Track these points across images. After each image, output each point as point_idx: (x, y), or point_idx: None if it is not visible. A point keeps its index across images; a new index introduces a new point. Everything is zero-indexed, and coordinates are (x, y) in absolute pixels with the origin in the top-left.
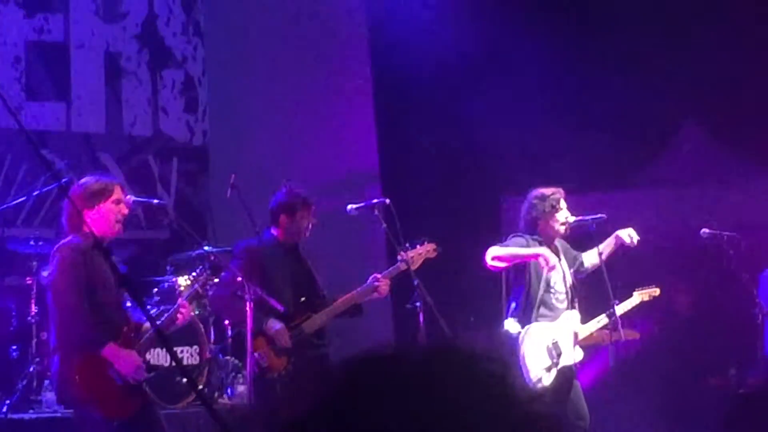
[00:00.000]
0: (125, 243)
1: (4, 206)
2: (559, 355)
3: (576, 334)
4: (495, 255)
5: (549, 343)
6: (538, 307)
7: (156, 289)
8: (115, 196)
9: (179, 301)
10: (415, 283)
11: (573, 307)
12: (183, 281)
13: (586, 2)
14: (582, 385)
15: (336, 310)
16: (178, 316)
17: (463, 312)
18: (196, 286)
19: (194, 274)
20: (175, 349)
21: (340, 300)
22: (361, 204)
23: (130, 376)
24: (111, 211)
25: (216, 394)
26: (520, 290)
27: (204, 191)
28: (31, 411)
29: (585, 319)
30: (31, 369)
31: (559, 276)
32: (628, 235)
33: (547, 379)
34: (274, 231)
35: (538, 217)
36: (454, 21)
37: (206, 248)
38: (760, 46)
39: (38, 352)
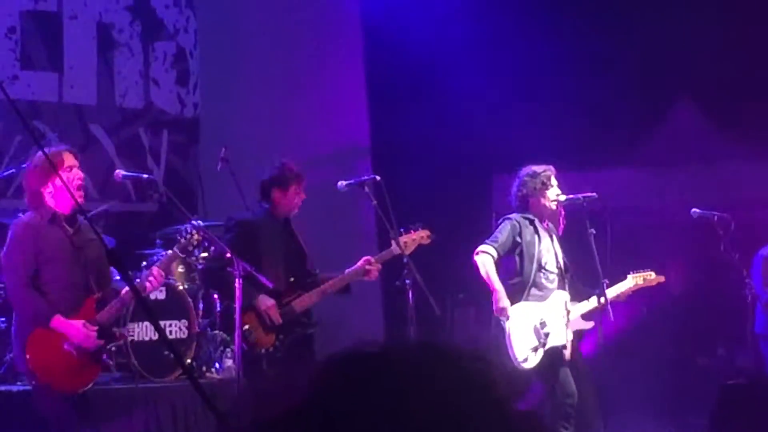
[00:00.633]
0: (114, 216)
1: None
2: (546, 335)
3: (567, 314)
4: (480, 265)
5: (536, 323)
6: (530, 288)
7: (145, 263)
8: (66, 164)
9: (152, 268)
10: (405, 260)
11: (563, 288)
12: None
13: None
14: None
15: (325, 291)
16: (146, 284)
17: (453, 289)
18: (175, 250)
19: (179, 236)
20: (163, 323)
21: (330, 282)
22: (352, 180)
23: (82, 344)
24: (66, 180)
25: (204, 369)
26: (511, 269)
27: (194, 164)
28: (18, 383)
29: (576, 299)
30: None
31: (550, 256)
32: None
33: (534, 359)
34: (265, 204)
35: (528, 194)
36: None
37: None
38: (754, 23)
39: None
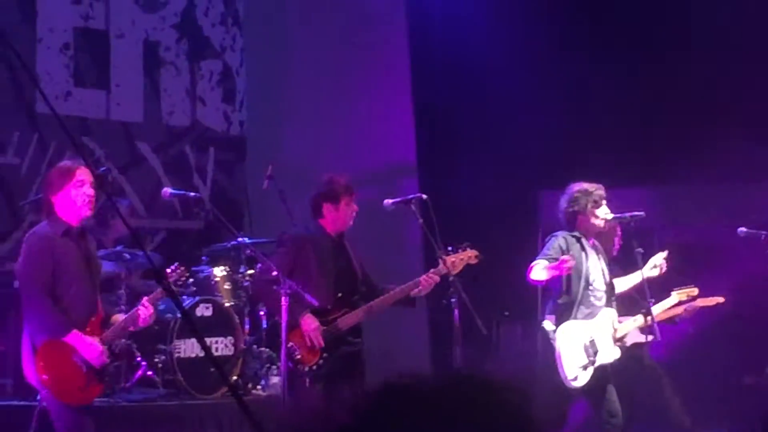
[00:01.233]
0: (160, 232)
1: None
2: (595, 353)
3: (614, 332)
4: (535, 272)
5: (586, 341)
6: (578, 306)
7: (191, 280)
8: (77, 179)
9: (143, 300)
10: (451, 279)
11: (610, 305)
12: (218, 272)
13: None
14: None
15: (371, 309)
16: (139, 314)
17: (499, 307)
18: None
19: (168, 270)
20: (209, 339)
21: (379, 300)
22: (398, 199)
23: (93, 361)
24: (74, 195)
25: (250, 385)
26: (558, 288)
27: (240, 181)
28: None
29: (622, 317)
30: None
31: (598, 274)
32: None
33: (584, 378)
34: (319, 221)
35: (579, 211)
36: (495, 13)
37: (242, 239)
38: None
39: None
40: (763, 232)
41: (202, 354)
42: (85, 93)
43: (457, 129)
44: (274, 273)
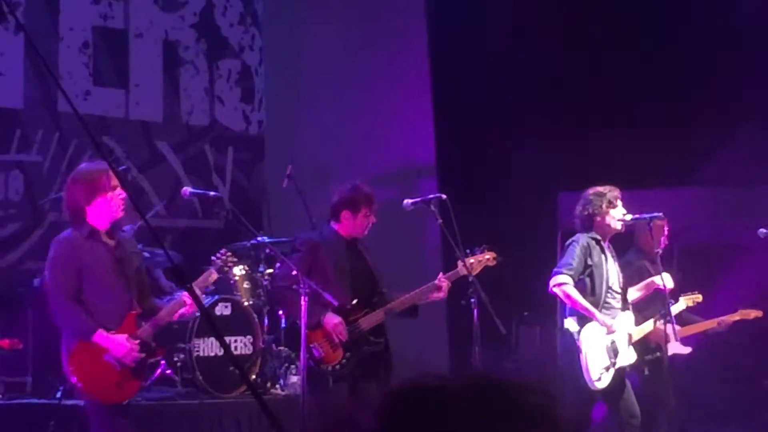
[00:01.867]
0: (180, 232)
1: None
2: (616, 354)
3: (630, 336)
4: (564, 296)
5: (608, 343)
6: (601, 308)
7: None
8: (112, 183)
9: (181, 295)
10: (470, 279)
11: (626, 308)
12: (237, 271)
13: None
14: None
15: (394, 308)
16: (186, 301)
17: (518, 308)
18: (212, 269)
19: (213, 256)
20: (228, 338)
21: (399, 300)
22: (418, 199)
23: (123, 359)
24: (108, 201)
25: (269, 385)
26: (582, 290)
27: (259, 181)
28: None
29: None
30: None
31: (615, 277)
32: (662, 281)
33: (606, 379)
34: (334, 225)
35: (595, 213)
36: (517, 10)
37: (261, 238)
38: None
39: None
40: None
41: (221, 353)
42: (105, 92)
43: (476, 129)
44: (294, 272)
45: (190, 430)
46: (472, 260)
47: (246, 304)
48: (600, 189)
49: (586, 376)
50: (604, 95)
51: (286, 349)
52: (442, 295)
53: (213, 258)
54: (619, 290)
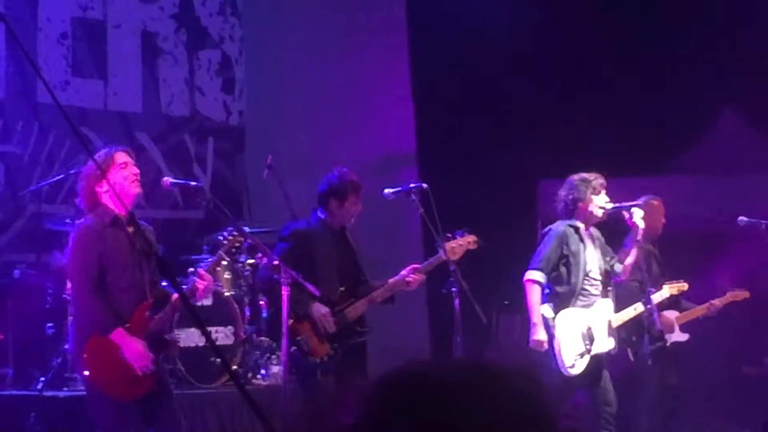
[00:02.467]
0: (161, 222)
1: (42, 183)
2: (592, 341)
3: (610, 323)
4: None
5: (584, 330)
6: (577, 296)
7: (192, 269)
8: (118, 161)
9: (198, 270)
10: (452, 268)
11: (606, 295)
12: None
13: None
14: None
15: (373, 299)
16: (198, 286)
17: (499, 296)
18: (220, 251)
19: (220, 237)
20: (209, 329)
21: (378, 291)
22: (398, 188)
23: (136, 364)
24: (122, 176)
25: (250, 375)
26: (557, 277)
27: (240, 171)
28: (65, 389)
29: (618, 307)
30: (66, 347)
31: (594, 264)
32: (641, 217)
33: (580, 365)
34: (321, 214)
35: (578, 199)
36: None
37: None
38: None
39: None
40: (764, 222)
41: (202, 343)
42: (83, 83)
43: (457, 118)
44: (276, 262)
45: None
46: (453, 245)
47: (227, 294)
48: (586, 175)
49: (558, 362)
50: (583, 82)
51: (268, 339)
52: (412, 287)
53: (220, 239)
54: (599, 277)
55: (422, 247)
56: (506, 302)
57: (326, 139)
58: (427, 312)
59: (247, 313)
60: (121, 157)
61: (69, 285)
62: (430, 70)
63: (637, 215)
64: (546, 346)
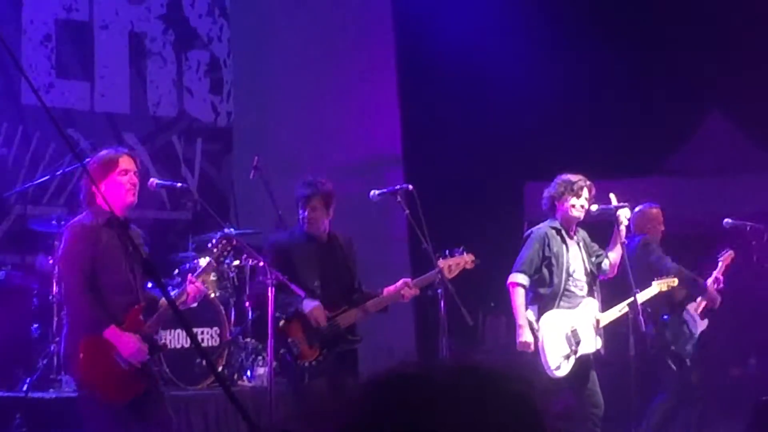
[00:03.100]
0: (148, 223)
1: (28, 185)
2: (578, 343)
3: (597, 322)
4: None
5: (568, 331)
6: (561, 297)
7: (177, 270)
8: (121, 167)
9: (189, 276)
10: (437, 270)
11: (592, 295)
12: (204, 262)
13: None
14: None
15: (368, 309)
16: (188, 291)
17: (484, 298)
18: (210, 259)
19: (209, 245)
20: (195, 330)
21: (373, 301)
22: (384, 190)
23: (131, 358)
24: (119, 182)
25: (236, 376)
26: (540, 279)
27: (227, 172)
28: (51, 390)
29: (605, 307)
30: (52, 348)
31: (578, 264)
32: (626, 217)
33: (566, 367)
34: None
35: (555, 197)
36: (481, 3)
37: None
38: None
39: (59, 332)
40: (749, 223)
41: (187, 345)
42: (68, 84)
43: (442, 120)
44: (261, 264)
45: None
46: (450, 263)
47: (213, 295)
48: (570, 176)
49: (544, 364)
50: (570, 84)
51: (253, 340)
52: (405, 300)
53: (209, 246)
54: (584, 277)
55: (408, 249)
56: (492, 304)
57: (313, 140)
58: (413, 314)
59: (233, 315)
60: (125, 162)
61: (55, 287)
62: (416, 72)
63: (623, 215)
64: (533, 348)
